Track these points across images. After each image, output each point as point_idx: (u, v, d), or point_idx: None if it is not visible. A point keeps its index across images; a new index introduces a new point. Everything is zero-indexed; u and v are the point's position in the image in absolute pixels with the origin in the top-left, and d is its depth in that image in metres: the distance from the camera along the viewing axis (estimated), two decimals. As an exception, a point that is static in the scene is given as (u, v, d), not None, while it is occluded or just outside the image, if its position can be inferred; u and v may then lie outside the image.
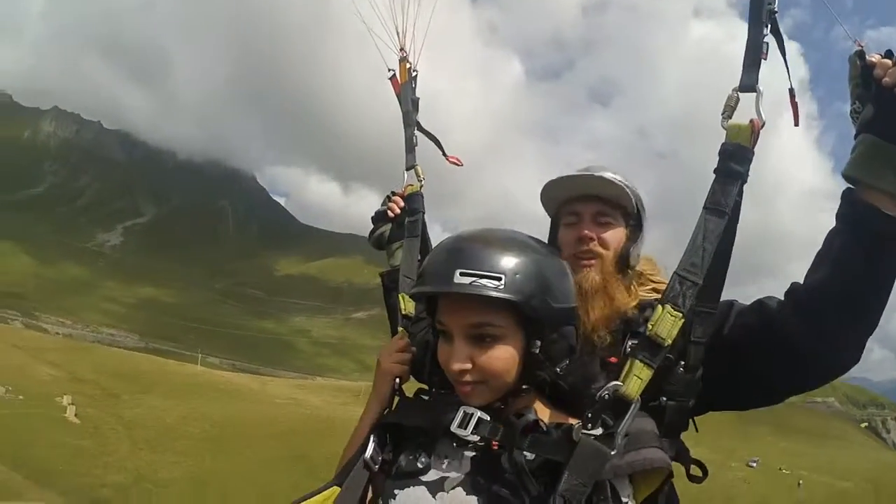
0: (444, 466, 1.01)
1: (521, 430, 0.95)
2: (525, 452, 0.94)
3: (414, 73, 1.72)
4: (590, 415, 0.95)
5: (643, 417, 1.00)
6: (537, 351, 0.98)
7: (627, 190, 1.33)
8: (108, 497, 24.84)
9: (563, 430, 0.95)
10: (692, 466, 1.20)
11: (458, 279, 0.94)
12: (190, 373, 55.13)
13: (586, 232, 1.33)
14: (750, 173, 1.07)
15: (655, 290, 1.34)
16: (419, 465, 1.01)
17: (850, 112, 1.07)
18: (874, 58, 1.01)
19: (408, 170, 1.68)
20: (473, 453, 1.00)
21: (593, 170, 1.38)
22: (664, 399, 1.09)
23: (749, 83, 1.07)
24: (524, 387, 1.02)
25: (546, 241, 1.30)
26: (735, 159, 1.06)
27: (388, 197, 1.73)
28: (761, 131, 1.06)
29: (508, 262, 0.95)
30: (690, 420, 1.18)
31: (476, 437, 0.98)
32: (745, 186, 1.07)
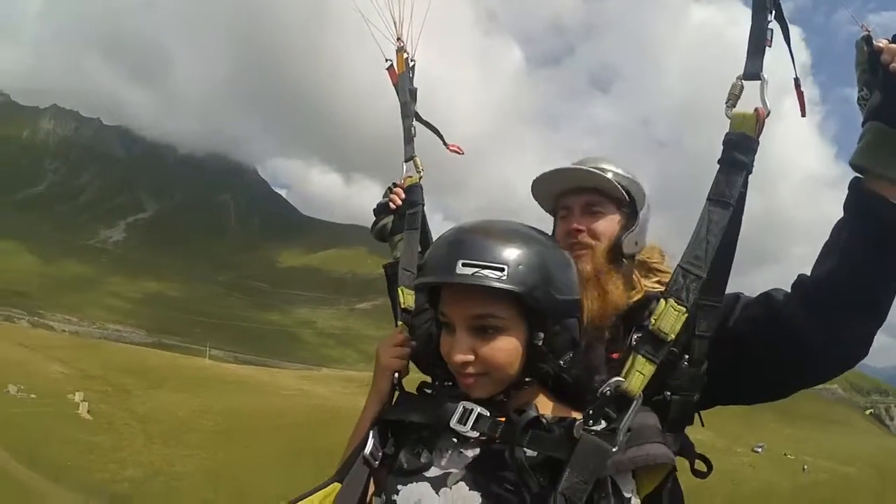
0: (445, 462, 1.00)
1: (522, 426, 0.94)
2: (526, 449, 0.93)
3: (411, 63, 1.70)
4: (591, 411, 0.94)
5: (646, 412, 0.99)
6: (540, 343, 0.97)
7: (611, 178, 1.31)
8: (127, 491, 25.03)
9: (564, 426, 0.94)
10: (696, 461, 1.19)
11: (460, 270, 0.93)
12: (199, 366, 55.46)
13: (574, 225, 1.33)
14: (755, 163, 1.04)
15: (661, 283, 1.33)
16: (421, 462, 1.01)
17: (858, 99, 1.04)
18: (881, 43, 0.98)
19: (406, 161, 1.66)
20: (475, 449, 1.00)
21: (587, 161, 1.37)
22: (668, 394, 1.07)
23: (753, 71, 1.04)
24: (527, 379, 1.01)
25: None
26: (739, 149, 1.03)
27: (390, 188, 1.72)
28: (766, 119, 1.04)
29: (511, 252, 0.94)
30: (697, 414, 1.17)
31: (475, 434, 0.98)
32: (749, 177, 1.04)
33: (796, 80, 1.11)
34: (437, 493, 0.97)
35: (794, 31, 1.15)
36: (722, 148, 1.06)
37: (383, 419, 1.14)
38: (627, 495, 0.94)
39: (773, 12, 1.06)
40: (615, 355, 1.19)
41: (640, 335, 1.01)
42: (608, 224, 1.33)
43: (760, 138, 1.04)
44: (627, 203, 1.35)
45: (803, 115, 1.17)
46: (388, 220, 1.70)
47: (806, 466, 36.99)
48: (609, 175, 1.33)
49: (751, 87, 1.05)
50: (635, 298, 1.31)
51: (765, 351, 1.10)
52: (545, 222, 1.44)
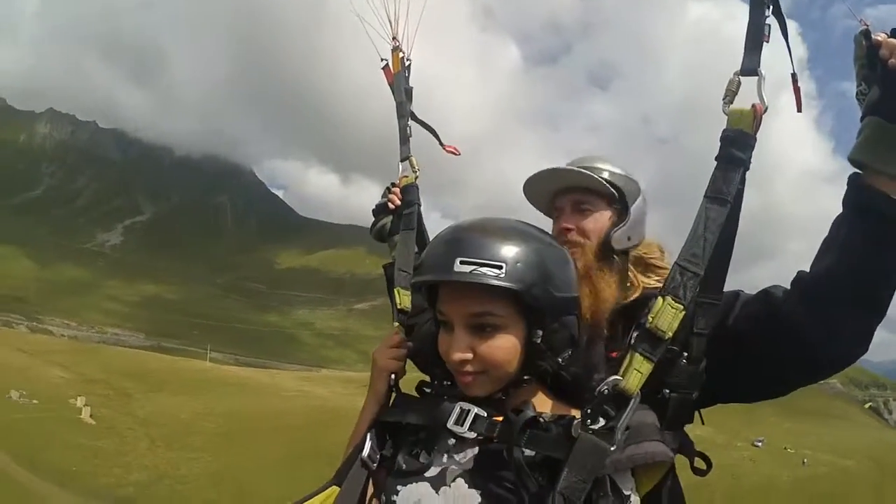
0: (444, 461, 1.00)
1: (520, 426, 0.94)
2: (524, 449, 0.93)
3: (407, 63, 1.69)
4: (589, 410, 0.93)
5: (644, 410, 0.99)
6: (539, 341, 0.97)
7: (605, 176, 1.33)
8: (132, 496, 25.02)
9: (562, 425, 0.94)
10: (696, 459, 1.19)
11: (458, 268, 0.93)
12: (199, 369, 55.46)
13: (563, 224, 1.35)
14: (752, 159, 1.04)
15: (661, 280, 1.33)
16: (420, 463, 1.01)
17: (856, 94, 1.03)
18: (880, 37, 0.97)
19: (402, 161, 1.65)
20: (474, 449, 0.99)
21: (578, 162, 1.39)
22: (667, 392, 1.07)
23: (751, 67, 1.04)
24: (526, 377, 1.01)
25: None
26: (737, 146, 1.03)
27: (388, 189, 1.71)
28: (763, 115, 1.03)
29: (509, 250, 0.94)
30: (697, 412, 1.17)
31: (473, 435, 0.98)
32: (747, 173, 1.04)
33: (793, 75, 1.10)
34: (436, 491, 0.96)
35: (791, 26, 1.15)
36: (719, 144, 1.05)
37: (381, 421, 1.13)
38: (627, 493, 0.94)
39: (771, 8, 1.06)
40: (614, 354, 1.18)
41: (637, 333, 1.01)
42: (597, 221, 1.34)
43: (758, 134, 1.03)
44: (617, 199, 1.36)
45: (799, 110, 1.17)
46: (387, 220, 1.69)
47: (806, 460, 37.13)
48: (605, 174, 1.34)
49: (748, 82, 1.04)
50: (634, 296, 1.30)
51: (765, 348, 1.10)
52: (543, 220, 1.44)
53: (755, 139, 1.03)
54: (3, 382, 33.26)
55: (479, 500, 0.93)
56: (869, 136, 1.00)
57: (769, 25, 1.05)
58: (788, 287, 1.11)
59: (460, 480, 0.96)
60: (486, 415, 0.98)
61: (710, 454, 1.23)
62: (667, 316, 0.98)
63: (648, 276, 1.37)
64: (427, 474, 0.99)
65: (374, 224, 1.73)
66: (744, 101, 1.05)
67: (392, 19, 1.66)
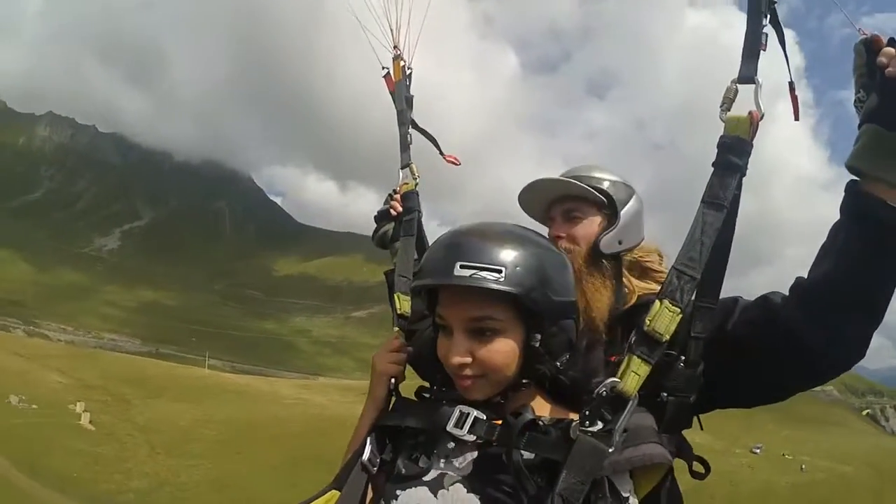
0: (443, 465, 1.00)
1: (519, 429, 0.94)
2: (523, 452, 0.94)
3: (408, 71, 1.71)
4: (587, 412, 0.94)
5: (642, 413, 0.99)
6: (537, 344, 0.97)
7: (578, 183, 1.36)
8: (133, 502, 24.84)
9: (560, 428, 0.94)
10: (694, 462, 1.19)
11: (458, 272, 0.94)
12: (198, 375, 55.17)
13: (555, 233, 1.39)
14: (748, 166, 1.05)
15: (660, 284, 1.34)
16: (419, 467, 1.01)
17: (854, 101, 1.05)
18: (879, 45, 0.98)
19: (403, 168, 1.67)
20: (473, 452, 1.00)
21: (572, 171, 1.42)
22: (664, 395, 1.07)
23: (748, 74, 1.05)
24: (524, 381, 1.01)
25: None
26: (734, 152, 1.04)
27: (390, 195, 1.73)
28: (760, 122, 1.05)
29: (508, 254, 0.95)
30: (696, 418, 1.17)
31: (472, 438, 0.98)
32: (743, 179, 1.05)
33: (791, 83, 1.12)
34: (435, 496, 0.96)
35: (788, 35, 1.17)
36: (716, 151, 1.07)
37: (380, 425, 1.14)
38: (625, 495, 0.94)
39: (768, 17, 1.07)
40: (613, 358, 1.19)
41: (635, 336, 1.01)
42: (586, 227, 1.37)
43: (754, 141, 1.05)
44: (607, 205, 1.38)
45: (797, 118, 1.18)
46: (389, 226, 1.71)
47: (804, 466, 37.06)
48: (605, 184, 1.37)
49: (745, 90, 1.06)
50: (631, 301, 1.31)
51: (763, 353, 1.10)
52: (541, 228, 1.45)
53: (752, 146, 1.05)
54: (2, 387, 33.04)
55: (479, 503, 0.93)
56: (867, 143, 1.01)
57: (766, 35, 1.07)
58: (787, 293, 1.12)
59: (458, 485, 0.96)
60: (485, 418, 0.99)
61: (709, 461, 1.23)
62: (664, 319, 0.99)
63: (647, 282, 1.39)
64: (425, 478, 0.99)
65: (376, 231, 1.74)
66: (741, 109, 1.06)
67: (394, 28, 1.68)
